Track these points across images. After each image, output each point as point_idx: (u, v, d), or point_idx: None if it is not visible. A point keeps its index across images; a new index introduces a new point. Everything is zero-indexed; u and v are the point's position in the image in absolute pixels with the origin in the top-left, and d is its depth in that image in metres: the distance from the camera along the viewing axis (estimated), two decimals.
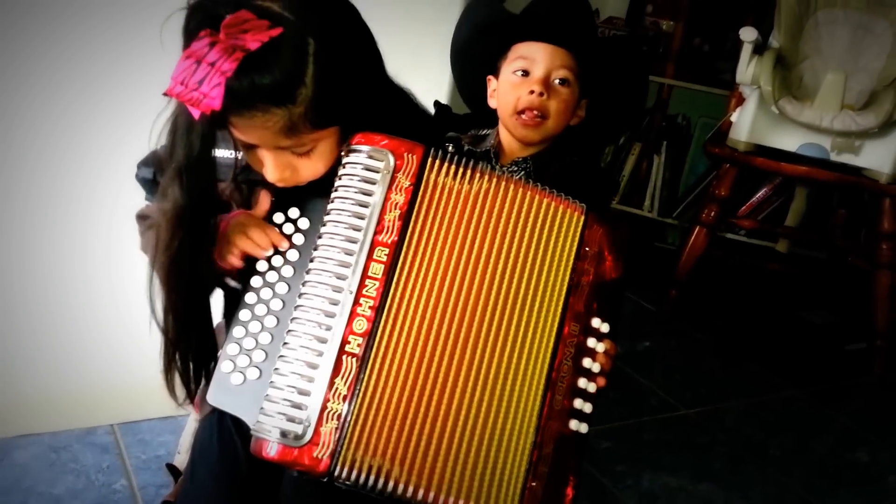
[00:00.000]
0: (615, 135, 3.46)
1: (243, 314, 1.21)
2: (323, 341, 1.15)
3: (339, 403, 1.13)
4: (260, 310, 1.21)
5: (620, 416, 2.51)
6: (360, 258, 1.17)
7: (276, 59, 1.08)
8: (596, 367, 1.27)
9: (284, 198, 1.24)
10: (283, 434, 1.13)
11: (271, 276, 1.22)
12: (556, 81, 1.49)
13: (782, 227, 3.69)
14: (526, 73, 1.50)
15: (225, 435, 1.28)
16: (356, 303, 1.16)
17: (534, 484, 1.20)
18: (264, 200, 1.25)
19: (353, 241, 1.17)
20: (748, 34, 2.89)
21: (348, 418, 1.13)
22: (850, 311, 3.53)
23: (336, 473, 1.13)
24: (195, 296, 1.25)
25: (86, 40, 1.78)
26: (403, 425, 1.16)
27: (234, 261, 1.22)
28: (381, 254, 1.17)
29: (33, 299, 1.91)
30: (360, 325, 1.15)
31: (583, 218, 1.28)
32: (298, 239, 1.23)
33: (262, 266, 1.22)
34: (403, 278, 1.18)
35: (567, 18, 1.51)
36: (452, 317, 1.20)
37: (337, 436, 1.13)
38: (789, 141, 2.89)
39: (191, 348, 1.27)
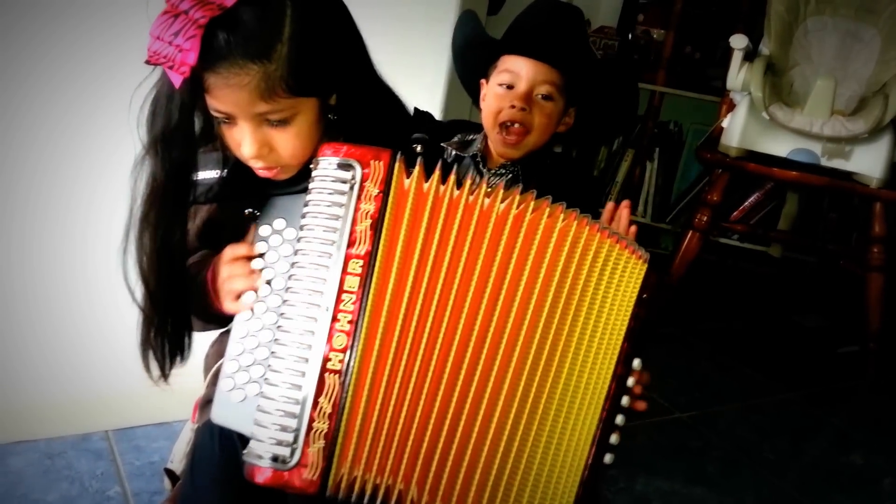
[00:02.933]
0: (606, 139, 3.46)
1: (238, 331, 1.20)
2: (304, 361, 1.13)
3: (324, 423, 1.12)
4: (254, 325, 1.19)
5: None
6: (335, 273, 1.14)
7: (253, 15, 1.09)
8: (628, 403, 1.28)
9: (270, 209, 1.24)
10: (273, 458, 1.12)
11: (263, 291, 1.20)
12: (539, 96, 1.50)
13: (774, 232, 3.70)
14: (510, 87, 1.51)
15: (226, 441, 1.27)
16: (334, 319, 1.13)
17: None
18: (250, 232, 1.25)
19: (327, 256, 1.14)
20: (738, 41, 2.91)
21: (336, 436, 1.13)
22: (843, 314, 3.54)
23: (328, 493, 1.13)
24: (170, 273, 1.24)
25: (86, 40, 1.78)
26: (397, 437, 1.16)
27: (235, 307, 1.22)
28: (356, 266, 1.14)
29: (27, 306, 1.91)
30: (340, 340, 1.13)
31: (646, 266, 1.26)
32: (287, 250, 1.20)
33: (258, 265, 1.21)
34: (381, 288, 1.15)
35: (553, 36, 1.51)
36: (454, 330, 1.18)
37: (325, 455, 1.12)
38: (780, 146, 2.90)
39: (165, 325, 1.27)
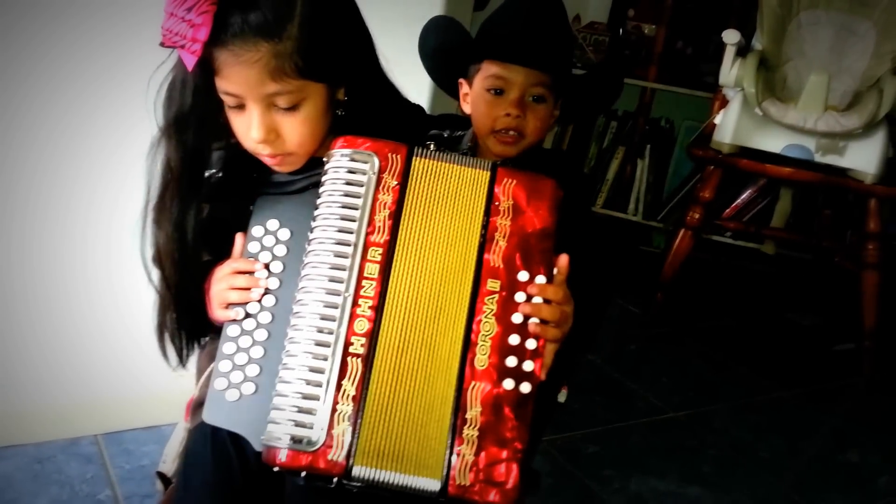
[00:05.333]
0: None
1: (232, 330, 1.21)
2: (326, 345, 1.14)
3: (348, 405, 1.13)
4: (249, 324, 1.21)
5: (607, 420, 2.51)
6: (355, 260, 1.16)
7: None
8: (532, 322, 1.20)
9: (263, 210, 1.25)
10: (296, 440, 1.12)
11: (256, 293, 1.21)
12: (531, 98, 1.47)
13: (768, 229, 3.69)
14: (500, 92, 1.48)
15: (219, 445, 1.25)
16: (355, 304, 1.15)
17: (462, 448, 1.15)
18: (238, 241, 1.25)
19: (346, 244, 1.17)
20: (731, 36, 2.89)
21: (360, 418, 1.13)
22: (838, 312, 3.53)
23: (353, 474, 1.12)
24: (184, 255, 1.26)
25: (86, 40, 1.79)
26: (395, 416, 1.16)
27: (225, 314, 1.23)
28: (376, 254, 1.17)
29: (21, 309, 1.91)
30: (362, 325, 1.15)
31: (488, 174, 1.24)
32: (281, 250, 1.23)
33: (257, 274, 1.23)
34: (399, 276, 1.18)
35: (540, 39, 1.48)
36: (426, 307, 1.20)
37: (350, 436, 1.12)
38: (774, 142, 2.89)
39: (181, 308, 1.29)
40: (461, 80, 1.56)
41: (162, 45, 1.13)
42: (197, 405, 1.35)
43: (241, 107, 1.20)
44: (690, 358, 3.07)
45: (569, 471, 2.22)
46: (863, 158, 2.82)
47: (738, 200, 3.78)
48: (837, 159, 2.84)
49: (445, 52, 1.56)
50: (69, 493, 1.84)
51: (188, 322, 1.32)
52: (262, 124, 1.20)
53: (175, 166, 1.22)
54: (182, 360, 1.34)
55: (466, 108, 1.56)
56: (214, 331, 1.33)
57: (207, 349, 1.41)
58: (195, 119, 1.20)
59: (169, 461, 1.50)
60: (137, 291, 1.35)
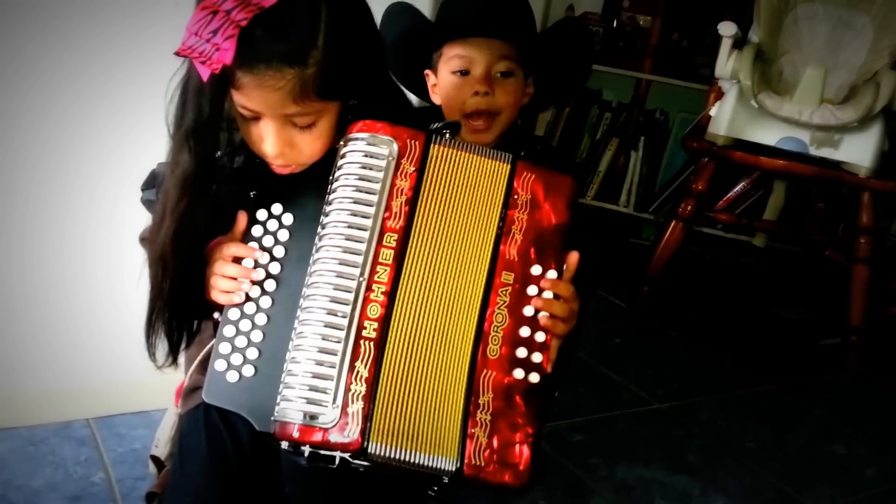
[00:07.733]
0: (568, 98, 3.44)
1: (232, 313, 1.22)
2: (339, 328, 1.16)
3: (361, 385, 1.15)
4: (249, 308, 1.22)
5: (592, 410, 2.50)
6: (371, 245, 1.18)
7: (291, 19, 1.12)
8: (542, 316, 1.23)
9: (266, 195, 1.25)
10: (311, 416, 1.14)
11: (258, 275, 1.23)
12: (499, 75, 1.46)
13: (759, 221, 3.68)
14: (466, 73, 1.46)
15: (212, 430, 1.29)
16: (369, 289, 1.17)
17: (474, 431, 1.19)
18: (241, 220, 1.26)
19: (362, 229, 1.18)
20: (727, 29, 2.90)
21: (373, 398, 1.15)
22: (825, 306, 3.52)
23: (369, 451, 1.14)
24: (193, 258, 1.26)
25: (86, 40, 1.79)
26: (408, 398, 1.18)
27: (220, 297, 1.24)
28: (391, 239, 1.18)
29: (9, 296, 1.92)
30: (374, 310, 1.17)
31: (508, 167, 1.25)
32: (283, 235, 1.23)
33: (248, 264, 1.23)
34: (413, 263, 1.20)
35: (499, 7, 1.47)
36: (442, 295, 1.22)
37: (365, 414, 1.14)
38: (768, 135, 2.89)
39: (180, 307, 1.29)
40: (427, 72, 1.55)
41: (177, 54, 1.13)
42: (188, 391, 1.39)
43: (256, 119, 1.20)
44: (676, 351, 3.06)
45: (555, 458, 2.21)
46: (857, 152, 2.82)
47: (731, 193, 3.77)
48: (832, 152, 2.84)
49: (405, 40, 1.54)
50: (63, 475, 1.86)
51: (183, 310, 1.31)
52: (279, 140, 1.20)
53: (190, 174, 1.21)
54: (175, 356, 1.33)
55: (436, 99, 1.55)
56: (206, 317, 1.34)
57: (196, 337, 1.42)
58: (211, 128, 1.19)
59: (161, 445, 1.54)
60: (132, 281, 1.34)
